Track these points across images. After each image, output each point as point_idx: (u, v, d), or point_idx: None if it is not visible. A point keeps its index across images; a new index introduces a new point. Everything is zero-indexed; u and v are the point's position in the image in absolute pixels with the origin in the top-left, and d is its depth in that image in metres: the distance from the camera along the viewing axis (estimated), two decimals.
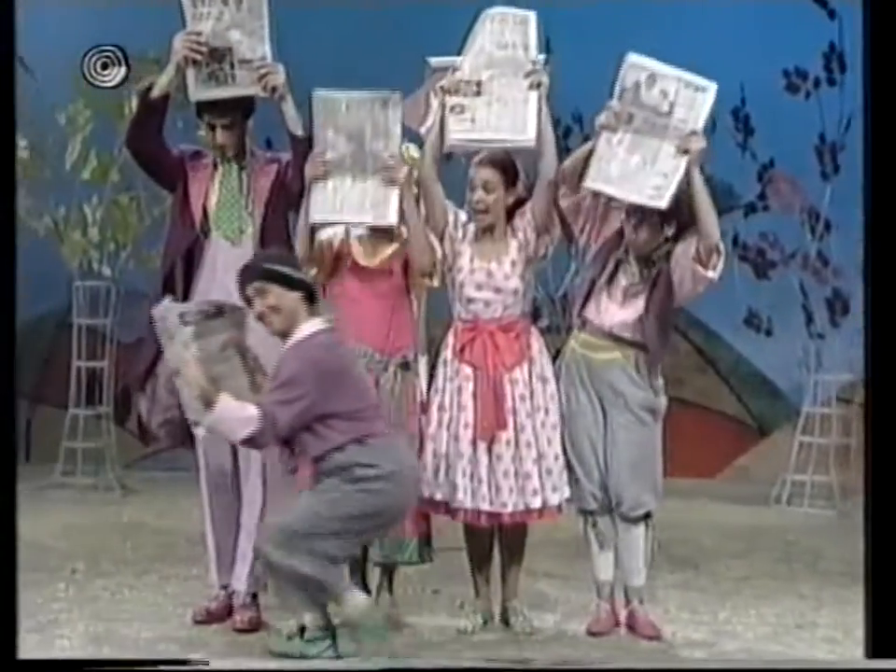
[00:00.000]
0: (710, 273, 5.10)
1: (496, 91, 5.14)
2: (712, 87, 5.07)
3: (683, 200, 5.09)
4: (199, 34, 5.14)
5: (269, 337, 4.89)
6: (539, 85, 5.13)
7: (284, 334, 4.83)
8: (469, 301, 5.26)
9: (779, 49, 7.82)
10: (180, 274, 5.24)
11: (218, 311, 4.92)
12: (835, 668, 5.01)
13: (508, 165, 5.23)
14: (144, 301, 5.35)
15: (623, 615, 5.32)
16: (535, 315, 5.36)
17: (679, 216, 5.12)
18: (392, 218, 5.15)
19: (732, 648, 5.17)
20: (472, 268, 5.25)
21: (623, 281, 5.20)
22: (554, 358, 5.32)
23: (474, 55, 5.16)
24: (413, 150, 5.27)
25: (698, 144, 5.04)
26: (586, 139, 5.32)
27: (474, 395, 5.19)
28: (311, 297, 4.86)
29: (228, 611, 5.31)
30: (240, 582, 5.32)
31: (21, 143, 7.74)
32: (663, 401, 5.28)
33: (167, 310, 4.92)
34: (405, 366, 5.27)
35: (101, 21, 7.14)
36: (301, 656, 4.80)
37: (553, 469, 5.21)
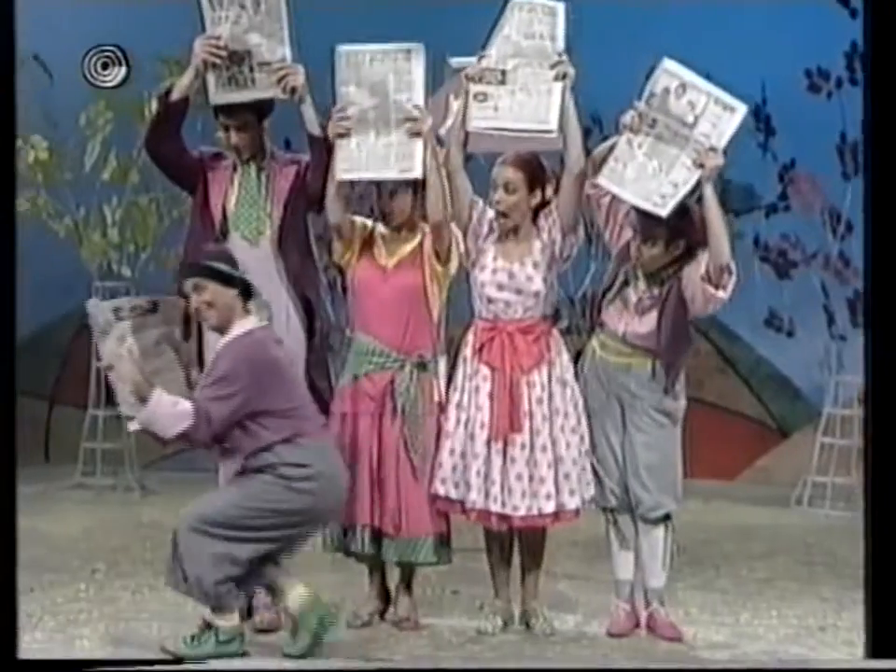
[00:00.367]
0: (720, 294, 5.06)
1: (520, 81, 5.13)
2: (742, 109, 5.02)
3: (693, 218, 5.07)
4: (218, 37, 5.14)
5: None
6: (564, 76, 5.10)
7: (220, 330, 4.89)
8: (490, 300, 5.25)
9: (801, 48, 7.79)
10: None
11: (153, 306, 4.98)
12: (835, 668, 4.98)
13: (533, 167, 5.20)
14: None
15: (643, 617, 5.30)
16: (555, 317, 5.34)
17: (688, 235, 5.09)
18: (417, 171, 5.13)
19: (753, 650, 5.15)
20: (495, 268, 5.24)
21: (632, 296, 5.19)
22: (576, 359, 5.30)
23: (500, 43, 5.14)
24: None
25: (714, 161, 5.00)
26: (604, 140, 5.29)
27: (490, 395, 5.18)
28: (247, 294, 4.91)
29: (248, 612, 5.31)
30: None
31: (42, 144, 7.78)
32: (681, 404, 5.26)
33: (98, 306, 4.95)
34: (422, 366, 5.26)
35: (121, 21, 7.14)
36: (214, 655, 4.83)
37: (572, 472, 5.19)
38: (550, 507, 5.17)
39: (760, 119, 8.01)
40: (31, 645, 5.02)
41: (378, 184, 5.26)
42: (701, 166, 5.01)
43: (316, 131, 5.18)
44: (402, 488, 5.21)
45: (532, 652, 5.09)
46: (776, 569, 6.32)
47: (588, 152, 5.22)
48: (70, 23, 7.34)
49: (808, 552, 6.67)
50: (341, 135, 5.13)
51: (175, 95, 5.18)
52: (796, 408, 8.35)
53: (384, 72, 5.11)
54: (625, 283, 5.20)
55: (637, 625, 5.31)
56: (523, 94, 5.12)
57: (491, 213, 5.27)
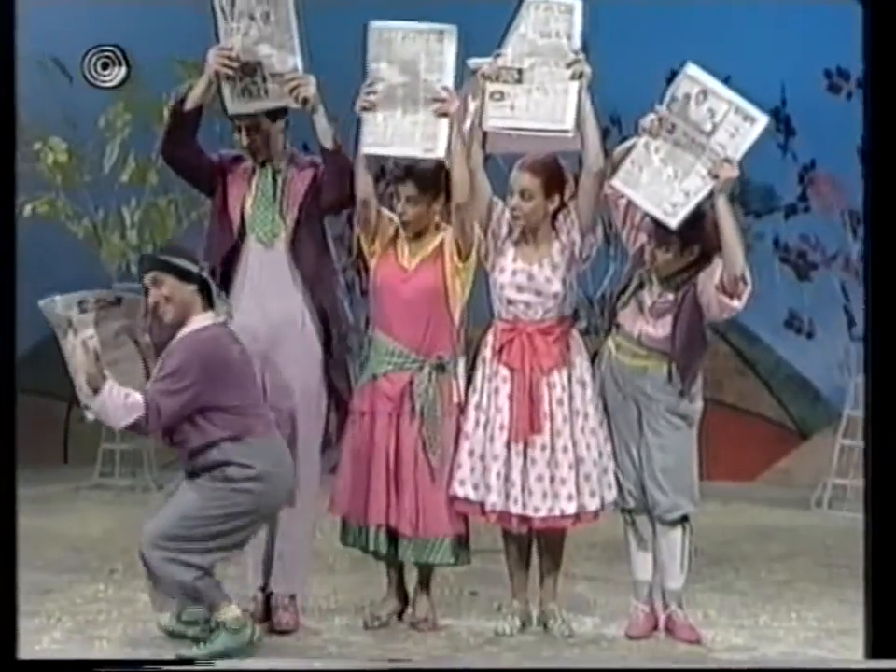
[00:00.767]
0: (735, 303, 5.03)
1: (536, 80, 5.11)
2: (763, 120, 4.97)
3: (707, 226, 5.04)
4: (230, 49, 5.15)
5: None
6: (580, 75, 5.09)
7: (177, 325, 4.94)
8: (510, 302, 5.24)
9: (820, 48, 7.77)
10: (219, 276, 5.25)
11: (117, 300, 5.06)
12: (836, 668, 4.96)
13: (551, 172, 5.19)
14: None
15: (661, 619, 5.29)
16: (574, 318, 5.33)
17: (702, 241, 5.06)
18: (440, 152, 5.13)
19: (772, 652, 5.13)
20: (514, 269, 5.23)
21: (647, 299, 5.17)
22: (593, 359, 5.29)
23: (516, 42, 5.13)
24: None
25: (729, 172, 4.96)
26: (624, 141, 5.28)
27: (510, 397, 5.18)
28: (206, 291, 4.94)
29: (266, 612, 5.31)
30: (277, 584, 5.31)
31: (61, 146, 7.80)
32: (697, 407, 5.24)
33: (53, 303, 5.01)
34: (440, 367, 5.26)
35: (139, 23, 7.15)
36: (230, 649, 4.87)
37: (592, 473, 5.19)
38: (571, 508, 5.16)
39: (780, 120, 7.98)
40: (50, 645, 5.04)
41: (397, 189, 5.26)
42: (716, 177, 4.98)
43: (328, 143, 5.18)
44: (419, 489, 5.20)
45: (550, 654, 5.08)
46: (795, 571, 6.30)
47: (606, 152, 5.21)
48: (89, 26, 7.35)
49: (828, 554, 6.64)
50: (366, 109, 5.13)
51: (188, 105, 5.19)
52: (816, 410, 8.32)
53: (415, 51, 5.12)
54: (640, 286, 5.19)
55: (656, 627, 5.29)
56: (539, 93, 5.11)
57: (510, 214, 5.26)
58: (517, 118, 5.12)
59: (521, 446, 5.16)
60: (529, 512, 5.15)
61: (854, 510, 7.53)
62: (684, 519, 5.24)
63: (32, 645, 4.98)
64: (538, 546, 5.32)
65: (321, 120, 5.19)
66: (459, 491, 5.19)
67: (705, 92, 4.99)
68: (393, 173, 5.32)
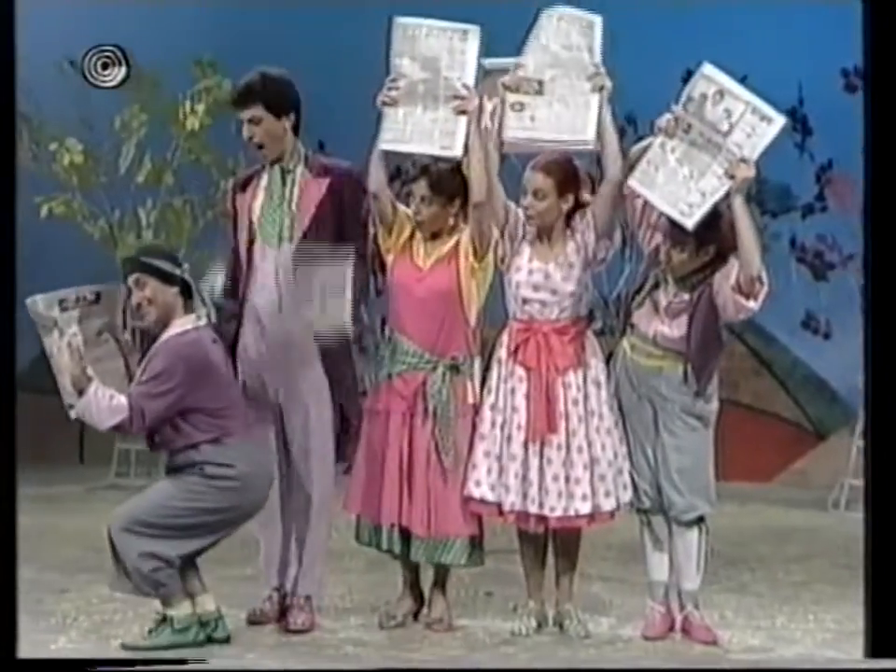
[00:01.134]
0: (751, 304, 5.01)
1: (557, 92, 5.11)
2: (780, 120, 4.95)
3: (723, 225, 5.03)
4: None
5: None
6: (601, 88, 5.08)
7: (158, 327, 4.97)
8: (525, 301, 5.23)
9: (837, 48, 7.74)
10: (231, 279, 5.25)
11: (97, 297, 5.07)
12: (835, 668, 4.95)
13: (565, 172, 5.17)
14: None
15: (678, 620, 5.28)
16: (589, 318, 5.32)
17: (718, 241, 5.05)
18: (457, 151, 5.14)
19: (790, 654, 5.11)
20: (530, 268, 5.22)
21: (662, 299, 5.15)
22: (608, 360, 5.28)
23: (538, 53, 5.12)
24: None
25: (745, 172, 4.95)
26: (639, 141, 5.27)
27: (527, 396, 5.17)
28: (187, 293, 4.97)
29: (281, 612, 5.31)
30: (293, 584, 5.31)
31: (77, 147, 7.83)
32: (713, 407, 5.22)
33: (35, 302, 5.00)
34: (455, 368, 5.25)
35: (153, 25, 7.17)
36: (172, 645, 4.89)
37: (607, 473, 5.17)
38: (586, 508, 5.15)
39: (796, 120, 7.98)
40: (66, 645, 5.04)
41: (411, 188, 5.25)
42: (732, 177, 4.96)
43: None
44: (432, 489, 5.19)
45: (566, 654, 5.06)
46: (812, 573, 6.28)
47: (623, 153, 5.20)
48: (104, 28, 7.36)
49: (845, 555, 6.61)
50: (386, 104, 5.14)
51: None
52: (833, 410, 8.30)
53: (438, 48, 5.13)
54: (656, 286, 5.17)
55: (672, 628, 5.27)
56: (560, 106, 5.10)
57: (523, 215, 5.25)
58: (538, 129, 5.12)
59: (538, 446, 5.15)
60: (546, 512, 5.14)
61: None
62: (700, 520, 5.23)
63: (48, 645, 4.99)
64: (553, 546, 5.32)
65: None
66: (475, 492, 5.18)
67: (721, 92, 4.98)
68: (409, 172, 5.32)
